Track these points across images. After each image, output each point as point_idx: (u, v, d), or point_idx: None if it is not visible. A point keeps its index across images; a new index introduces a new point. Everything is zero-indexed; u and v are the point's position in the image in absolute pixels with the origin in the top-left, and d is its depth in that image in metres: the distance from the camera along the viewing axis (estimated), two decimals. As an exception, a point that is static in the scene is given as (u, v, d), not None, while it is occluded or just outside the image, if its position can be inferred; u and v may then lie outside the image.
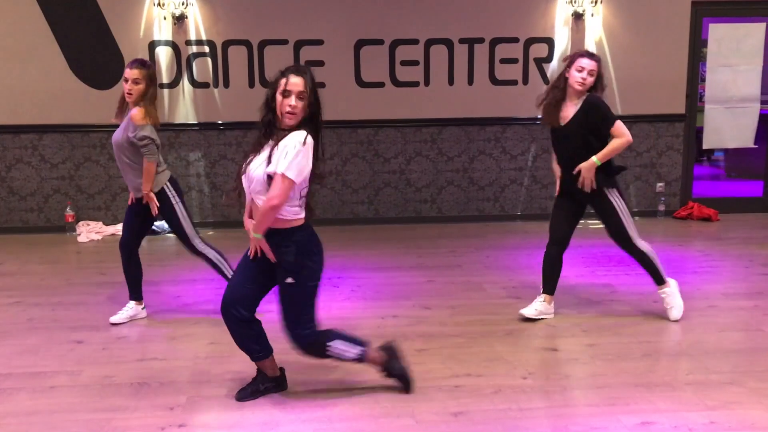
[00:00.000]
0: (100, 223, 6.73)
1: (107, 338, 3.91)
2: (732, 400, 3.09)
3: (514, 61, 6.80)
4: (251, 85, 6.68)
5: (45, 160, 6.69)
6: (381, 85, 6.78)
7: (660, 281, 4.11)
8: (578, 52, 4.02)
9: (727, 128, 7.12)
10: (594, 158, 3.92)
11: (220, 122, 6.74)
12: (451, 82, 6.82)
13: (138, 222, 4.15)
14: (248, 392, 3.13)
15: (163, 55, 6.59)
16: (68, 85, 6.55)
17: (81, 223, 6.69)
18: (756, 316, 4.17)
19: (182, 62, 6.62)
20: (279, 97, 2.86)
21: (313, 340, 2.97)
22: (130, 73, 3.95)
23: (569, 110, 3.98)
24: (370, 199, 7.00)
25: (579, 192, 4.01)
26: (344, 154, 6.89)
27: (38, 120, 6.58)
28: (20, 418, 2.96)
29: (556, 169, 4.20)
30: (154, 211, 4.05)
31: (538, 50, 6.79)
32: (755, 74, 7.00)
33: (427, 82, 6.81)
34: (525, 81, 6.84)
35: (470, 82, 6.82)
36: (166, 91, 6.63)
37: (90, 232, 6.55)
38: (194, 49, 6.61)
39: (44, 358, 3.62)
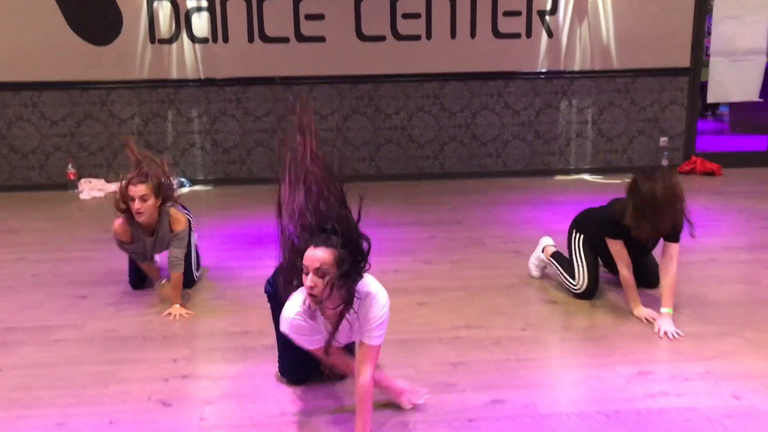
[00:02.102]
0: (102, 180, 6.74)
1: (111, 293, 3.94)
2: (728, 350, 3.12)
3: (518, 13, 6.70)
4: (251, 39, 6.61)
5: (45, 117, 6.66)
6: (382, 38, 6.70)
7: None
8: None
9: (731, 81, 7.04)
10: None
11: (219, 78, 6.69)
12: (453, 35, 6.73)
13: None
14: None
15: (162, 10, 6.51)
16: (66, 42, 6.48)
17: (83, 180, 6.69)
18: (756, 269, 4.19)
19: (181, 17, 6.53)
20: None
21: None
22: (135, 190, 3.53)
23: None
24: (371, 156, 6.97)
25: None
26: (345, 110, 6.85)
27: (37, 77, 6.54)
28: (26, 370, 3.01)
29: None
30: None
31: (541, 2, 6.68)
32: (762, 26, 6.90)
33: (429, 36, 6.73)
34: (528, 34, 6.75)
35: (473, 35, 6.73)
36: (165, 46, 6.57)
37: (92, 189, 6.55)
38: (193, 3, 6.52)
39: (48, 313, 3.66)
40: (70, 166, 6.64)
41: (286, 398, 2.76)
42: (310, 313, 2.43)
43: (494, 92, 6.89)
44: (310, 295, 2.30)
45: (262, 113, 6.79)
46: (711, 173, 6.88)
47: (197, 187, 6.76)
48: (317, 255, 2.29)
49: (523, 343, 3.21)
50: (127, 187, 3.57)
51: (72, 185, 6.63)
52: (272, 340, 2.95)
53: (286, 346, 2.69)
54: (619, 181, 6.67)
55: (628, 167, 6.99)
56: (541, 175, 6.98)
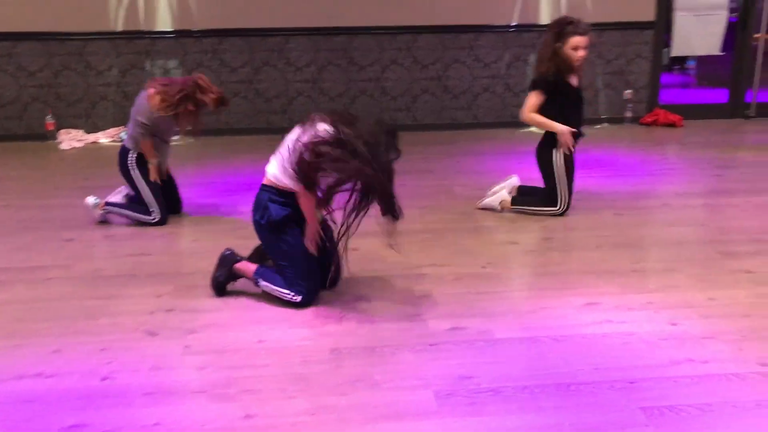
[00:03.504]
0: (81, 131, 6.85)
1: (96, 237, 4.14)
2: (671, 284, 3.41)
3: (489, -33, 6.85)
4: (226, -9, 6.69)
5: (22, 68, 6.73)
6: (356, -9, 6.82)
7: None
8: (568, 28, 4.07)
9: (695, 35, 7.28)
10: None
11: (195, 30, 6.78)
12: (426, -13, 6.87)
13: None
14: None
15: (137, -40, 6.55)
16: (42, -8, 6.53)
17: (62, 131, 6.80)
18: (704, 212, 4.49)
19: (156, -32, 6.59)
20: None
21: None
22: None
23: (573, 79, 4.21)
24: (346, 107, 7.14)
25: None
26: (320, 61, 6.99)
27: (13, 27, 6.59)
28: (21, 305, 3.22)
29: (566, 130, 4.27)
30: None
31: (512, -44, 6.83)
32: (725, -19, 7.12)
33: (402, -12, 6.86)
34: (499, -12, 6.91)
35: (445, -12, 6.88)
36: (141, -3, 6.64)
37: (71, 140, 6.67)
38: (168, -46, 6.57)
39: (38, 254, 3.86)
40: (49, 116, 6.74)
41: (263, 327, 3.00)
42: None
43: (465, 45, 7.06)
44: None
45: (239, 65, 6.91)
46: (672, 125, 7.15)
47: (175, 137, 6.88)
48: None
49: (483, 279, 3.47)
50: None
51: (51, 135, 6.74)
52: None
53: (305, 258, 3.12)
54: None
55: (594, 119, 7.24)
56: (510, 126, 7.20)
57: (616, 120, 7.32)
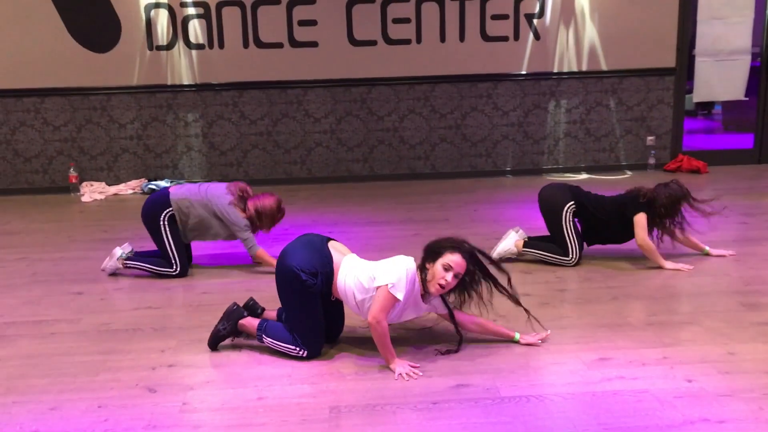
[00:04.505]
0: (103, 183, 6.95)
1: (106, 290, 4.14)
2: (687, 338, 3.27)
3: (505, 17, 6.88)
4: (245, 45, 6.80)
5: (47, 122, 6.88)
6: (373, 43, 6.89)
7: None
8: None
9: (717, 81, 7.19)
10: None
11: (215, 83, 6.89)
12: (442, 39, 6.92)
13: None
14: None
15: (159, 17, 6.72)
16: (67, 49, 6.71)
17: (84, 183, 6.91)
18: (726, 262, 4.34)
19: (177, 24, 6.74)
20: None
21: None
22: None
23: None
24: (365, 157, 7.16)
25: None
26: (339, 112, 7.03)
27: (39, 84, 6.77)
28: (23, 360, 3.20)
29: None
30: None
31: (529, 6, 6.85)
32: (746, 26, 7.04)
33: (419, 40, 6.91)
34: (516, 37, 6.93)
35: (462, 38, 6.92)
36: (163, 53, 6.78)
37: (93, 192, 6.77)
38: (189, 10, 6.72)
39: (46, 308, 3.86)
40: (71, 169, 6.86)
41: (263, 384, 2.93)
42: (414, 292, 3.01)
43: (483, 94, 7.06)
44: (441, 286, 2.94)
45: (258, 117, 6.99)
46: (697, 171, 7.02)
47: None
48: (460, 262, 2.94)
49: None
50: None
51: (74, 188, 6.84)
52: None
53: (317, 322, 3.12)
54: (609, 178, 6.84)
55: (616, 166, 7.15)
56: (529, 174, 7.14)
57: (640, 167, 7.22)
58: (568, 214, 4.31)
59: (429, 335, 3.37)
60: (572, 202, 4.33)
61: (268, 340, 3.18)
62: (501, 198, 6.25)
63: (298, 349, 3.12)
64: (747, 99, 7.28)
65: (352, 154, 7.13)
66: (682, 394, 2.75)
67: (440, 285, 2.94)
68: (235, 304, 3.32)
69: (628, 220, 4.26)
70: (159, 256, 4.37)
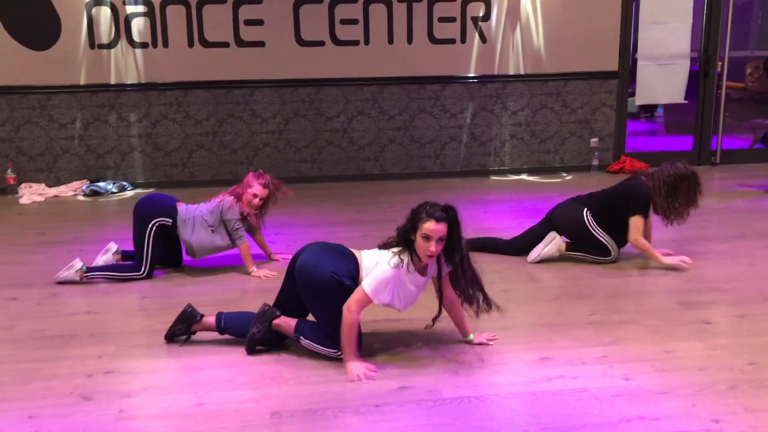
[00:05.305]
0: (43, 184, 6.75)
1: (42, 295, 4.01)
2: (626, 336, 3.33)
3: (452, 20, 6.92)
4: (191, 44, 6.69)
5: (-17, 122, 6.66)
6: (321, 44, 6.85)
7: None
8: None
9: (658, 84, 7.36)
10: None
11: (160, 82, 6.76)
12: (390, 41, 6.91)
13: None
14: None
15: (101, 14, 6.56)
16: (4, 47, 6.50)
17: (23, 185, 6.70)
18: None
19: (120, 22, 6.59)
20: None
21: None
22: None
23: None
24: (313, 158, 7.11)
25: None
26: (286, 113, 6.97)
27: (-26, 82, 6.54)
28: (-49, 370, 3.08)
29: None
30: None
31: (475, 9, 6.90)
32: (685, 32, 7.22)
33: (367, 41, 6.90)
34: (463, 40, 6.97)
35: (409, 40, 6.92)
36: (104, 51, 6.63)
37: (32, 194, 6.57)
38: (132, 8, 6.58)
39: (-22, 315, 3.72)
40: (9, 170, 6.65)
41: (203, 389, 2.88)
42: (407, 269, 3.04)
43: (431, 96, 7.09)
44: (429, 255, 2.96)
45: (203, 117, 6.88)
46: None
47: (139, 190, 6.81)
48: (436, 227, 2.94)
49: (436, 334, 3.38)
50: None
51: (12, 190, 6.63)
52: (201, 335, 3.11)
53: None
54: (554, 181, 6.94)
55: (561, 167, 7.27)
56: (477, 176, 7.20)
57: (583, 168, 7.34)
58: (590, 221, 4.35)
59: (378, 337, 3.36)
60: (585, 209, 4.38)
61: (305, 342, 3.13)
62: (449, 199, 6.17)
63: (336, 351, 3.09)
64: (687, 102, 7.47)
65: (300, 154, 7.08)
66: (619, 393, 2.80)
67: (428, 255, 2.98)
68: (266, 304, 3.23)
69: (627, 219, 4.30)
70: (119, 266, 4.28)
